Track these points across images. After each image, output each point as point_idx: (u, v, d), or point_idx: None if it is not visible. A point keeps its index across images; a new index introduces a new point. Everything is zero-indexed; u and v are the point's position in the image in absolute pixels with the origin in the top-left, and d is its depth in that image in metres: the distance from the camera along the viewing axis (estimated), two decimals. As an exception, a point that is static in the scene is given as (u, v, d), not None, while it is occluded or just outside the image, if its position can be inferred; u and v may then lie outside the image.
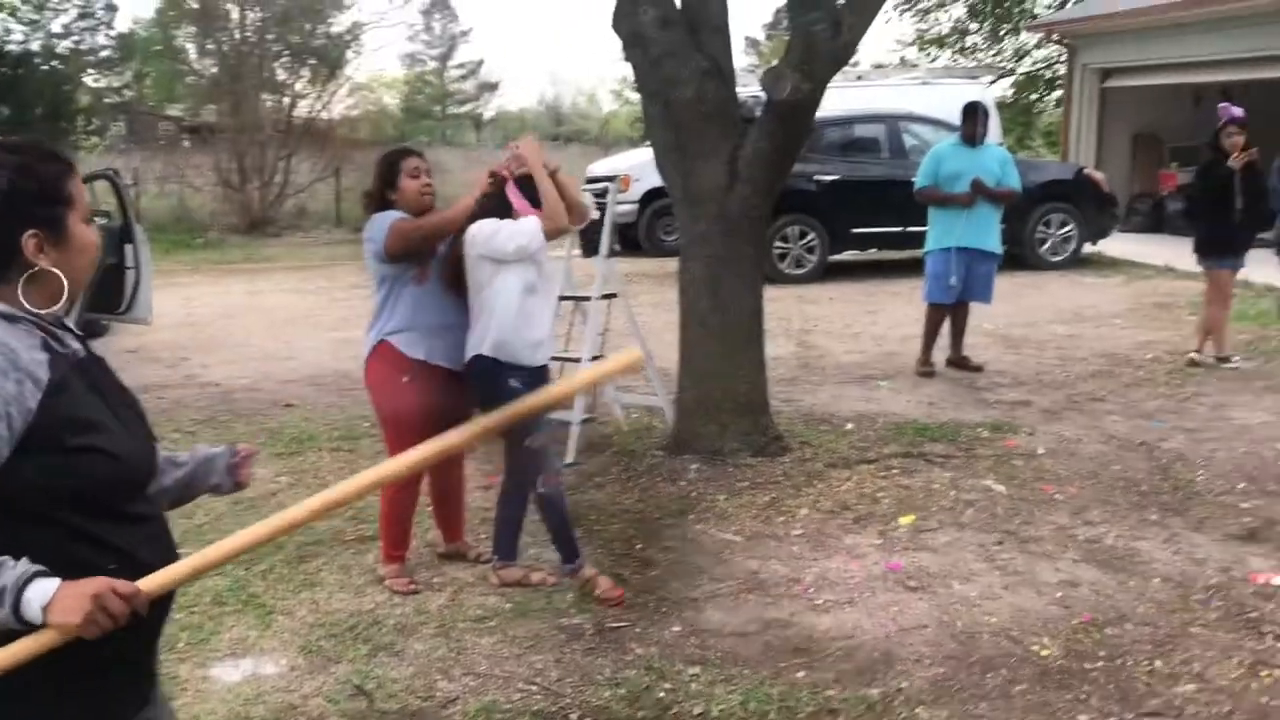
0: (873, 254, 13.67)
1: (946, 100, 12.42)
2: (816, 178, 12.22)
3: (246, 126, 19.54)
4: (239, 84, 19.81)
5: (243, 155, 19.25)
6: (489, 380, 4.08)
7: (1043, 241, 12.80)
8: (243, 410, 7.20)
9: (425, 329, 4.22)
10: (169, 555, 1.83)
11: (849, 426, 6.51)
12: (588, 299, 6.23)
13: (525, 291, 4.11)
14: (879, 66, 24.52)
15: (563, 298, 6.29)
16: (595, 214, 4.74)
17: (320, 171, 19.74)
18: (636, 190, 14.03)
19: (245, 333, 10.18)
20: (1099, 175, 13.29)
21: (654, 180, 10.32)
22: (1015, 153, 18.73)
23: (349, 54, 23.46)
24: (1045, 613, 4.11)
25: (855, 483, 5.46)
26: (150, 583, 1.71)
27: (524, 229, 4.09)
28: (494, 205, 4.20)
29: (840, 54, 5.44)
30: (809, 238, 12.39)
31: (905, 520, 4.99)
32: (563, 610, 4.16)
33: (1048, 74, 25.48)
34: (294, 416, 7.10)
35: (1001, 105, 22.36)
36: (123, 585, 1.65)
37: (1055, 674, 3.64)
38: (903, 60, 26.33)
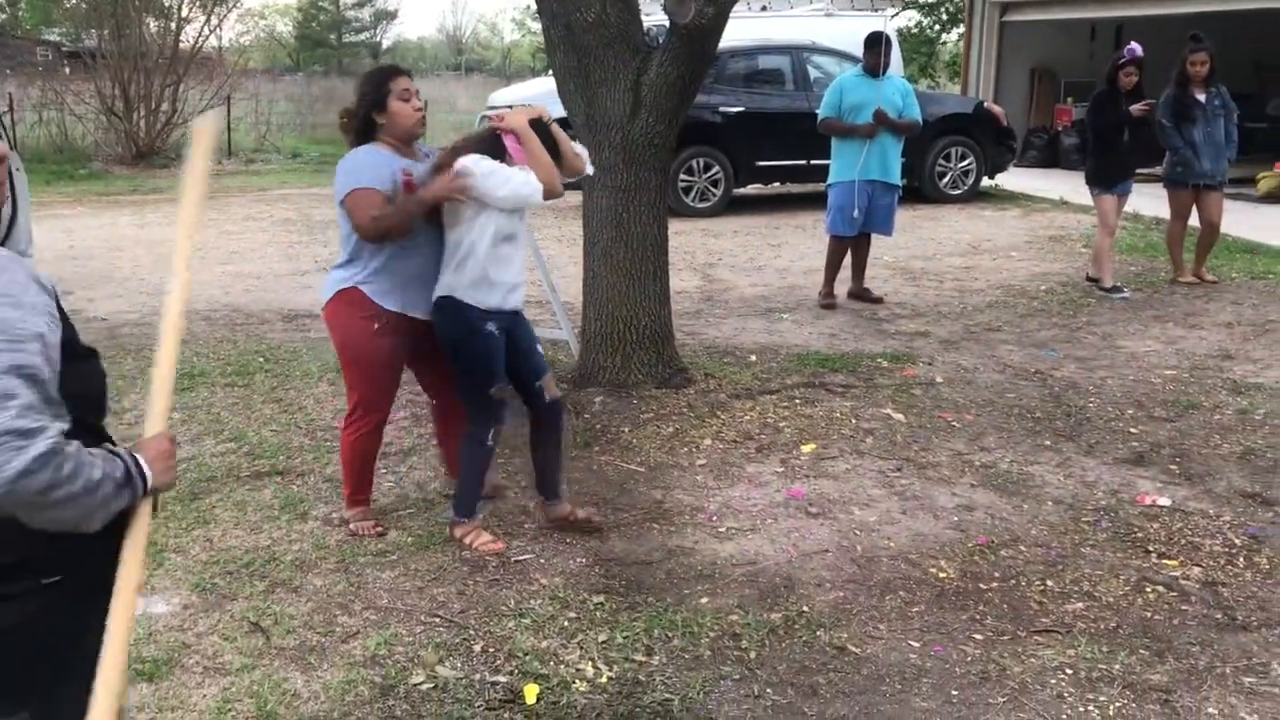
0: (776, 188, 13.70)
1: (850, 31, 12.39)
2: (721, 109, 12.13)
3: (130, 52, 18.64)
4: (121, 7, 18.85)
5: (127, 83, 18.37)
6: (457, 322, 3.87)
7: (942, 175, 12.94)
8: (130, 345, 6.94)
9: (402, 277, 3.91)
10: None
11: (752, 358, 6.54)
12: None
13: (502, 237, 3.85)
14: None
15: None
16: (590, 169, 4.42)
17: (210, 100, 18.97)
18: (540, 121, 13.76)
19: (132, 266, 9.79)
20: (998, 109, 13.47)
21: (558, 110, 10.11)
22: (917, 84, 18.89)
23: (238, -23, 22.51)
24: (942, 536, 4.20)
25: (758, 413, 5.49)
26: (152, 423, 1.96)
27: (523, 180, 3.79)
28: (487, 147, 3.89)
29: (744, -21, 5.36)
30: (713, 170, 12.34)
31: (807, 449, 5.04)
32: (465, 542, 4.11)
33: (950, 7, 25.66)
34: (185, 351, 6.86)
35: (904, 37, 22.51)
36: (171, 434, 1.95)
37: (951, 595, 3.72)
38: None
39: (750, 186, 13.11)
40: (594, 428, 5.31)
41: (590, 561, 3.98)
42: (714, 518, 4.35)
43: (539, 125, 3.93)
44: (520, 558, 4.00)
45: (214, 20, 20.84)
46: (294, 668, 3.30)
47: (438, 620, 3.56)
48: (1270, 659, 3.30)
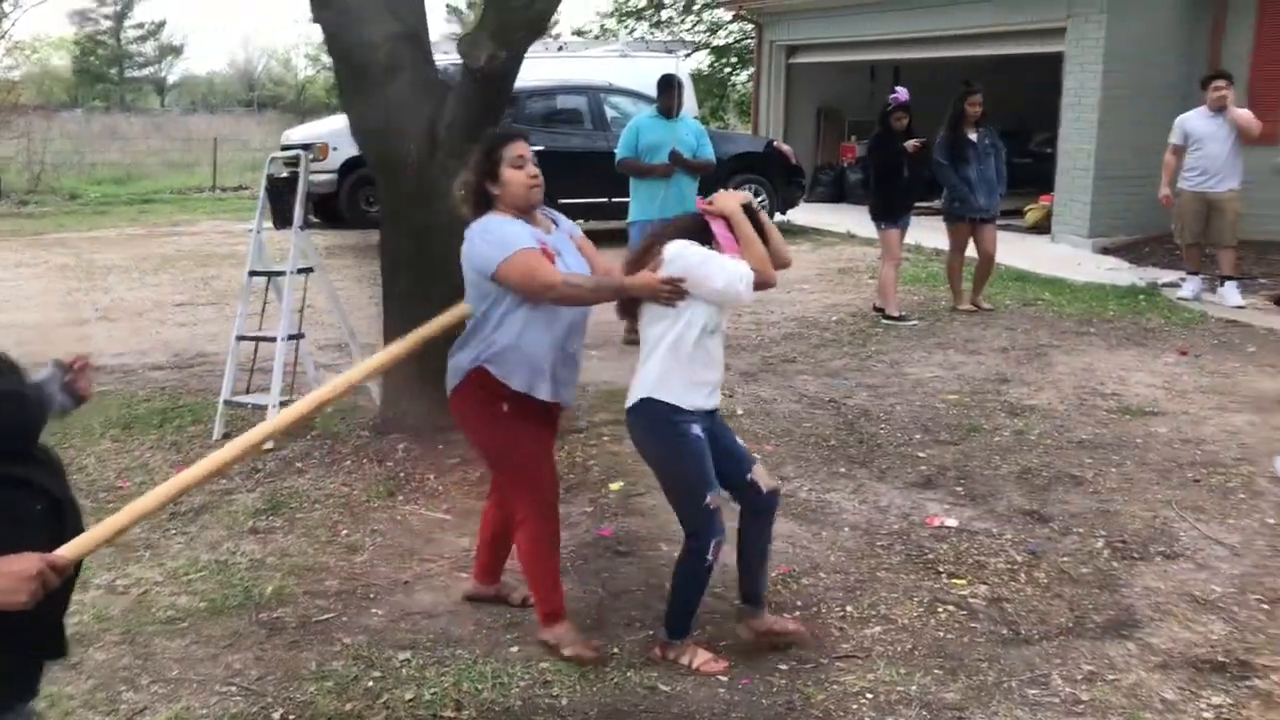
0: (580, 224, 13.79)
1: (645, 73, 12.64)
2: (521, 149, 12.14)
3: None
4: None
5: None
6: (662, 427, 3.44)
7: (739, 211, 13.30)
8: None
9: (530, 358, 3.50)
10: (70, 491, 2.05)
11: (559, 396, 6.53)
12: (283, 274, 5.91)
13: (709, 331, 3.44)
14: (579, 34, 24.77)
15: (254, 273, 5.96)
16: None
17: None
18: (335, 159, 13.48)
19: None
20: (787, 148, 14.00)
21: (353, 149, 9.92)
22: (710, 125, 19.40)
23: (4, 7, 21.19)
24: (747, 568, 4.27)
25: (566, 453, 5.48)
26: (73, 549, 1.95)
27: (738, 270, 3.36)
28: (694, 232, 3.49)
29: (536, 22, 5.39)
30: (513, 209, 12.31)
31: (615, 487, 5.06)
32: (263, 604, 3.94)
33: (740, 49, 26.54)
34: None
35: (698, 78, 23.13)
36: (57, 560, 1.88)
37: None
38: (604, 30, 26.66)
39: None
40: (398, 476, 5.19)
41: (395, 616, 3.88)
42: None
43: (747, 210, 3.52)
44: (321, 617, 3.86)
45: (-23, 53, 19.53)
46: (73, 753, 3.08)
47: (233, 689, 3.39)
48: (1051, 670, 3.49)
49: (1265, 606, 3.92)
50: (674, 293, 3.37)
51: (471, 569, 4.07)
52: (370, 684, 3.42)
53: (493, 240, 3.42)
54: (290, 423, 2.72)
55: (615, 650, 3.63)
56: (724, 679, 3.46)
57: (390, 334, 5.75)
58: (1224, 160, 9.04)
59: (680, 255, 3.40)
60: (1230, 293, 9.15)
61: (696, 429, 3.43)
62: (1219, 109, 9.03)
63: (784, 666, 3.54)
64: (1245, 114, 9.08)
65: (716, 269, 3.36)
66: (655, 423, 3.45)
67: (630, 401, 3.51)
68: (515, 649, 3.65)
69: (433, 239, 5.58)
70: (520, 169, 3.49)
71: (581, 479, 5.17)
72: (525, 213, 3.54)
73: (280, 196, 5.99)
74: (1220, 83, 9.12)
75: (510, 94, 5.72)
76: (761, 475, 3.61)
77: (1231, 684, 3.41)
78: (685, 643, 3.59)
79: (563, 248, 3.56)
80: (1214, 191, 9.07)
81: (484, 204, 3.54)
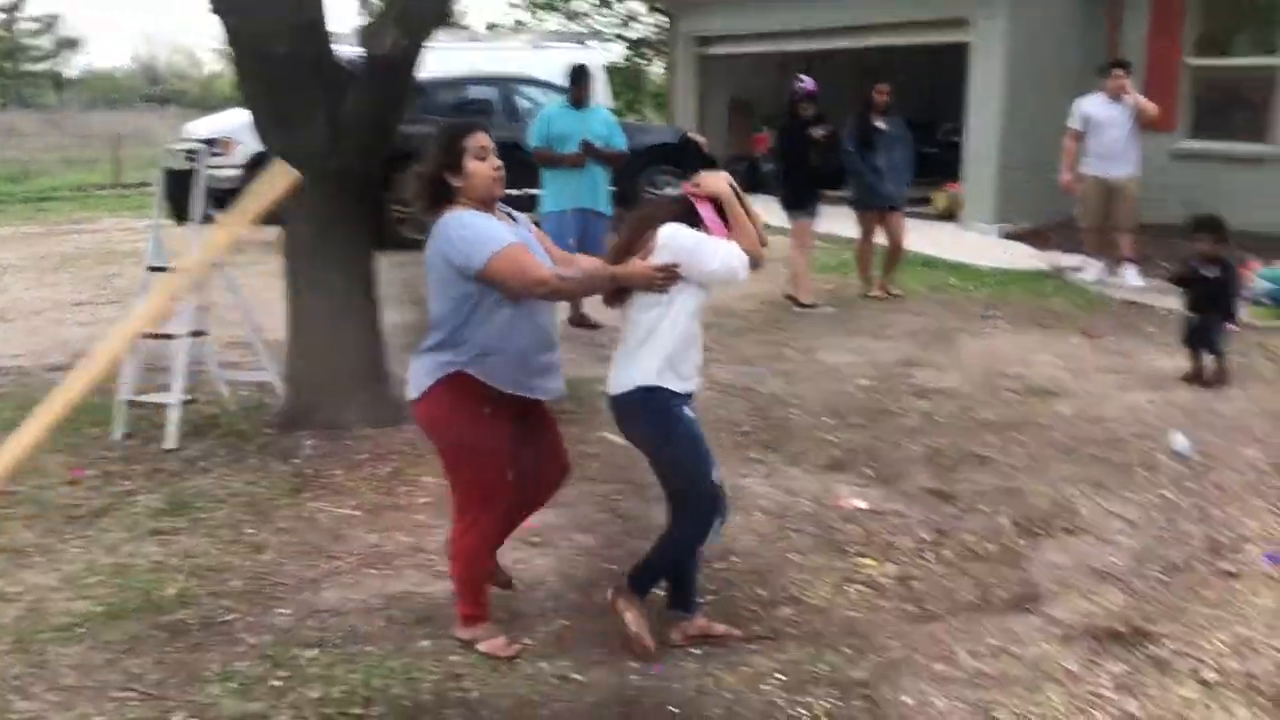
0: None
1: (558, 64, 12.58)
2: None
3: None
4: None
5: None
6: (658, 413, 3.40)
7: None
8: None
9: (514, 355, 3.39)
10: None
11: (472, 389, 6.47)
12: (183, 270, 5.75)
13: (696, 315, 3.45)
14: (492, 27, 24.59)
15: (154, 269, 5.80)
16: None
17: None
18: (241, 154, 13.11)
19: None
20: (700, 138, 14.04)
21: (259, 143, 9.72)
22: (625, 116, 19.35)
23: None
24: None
25: (478, 445, 5.43)
26: None
27: (733, 251, 3.38)
28: (681, 215, 3.44)
29: (440, 10, 5.33)
30: (428, 201, 12.19)
31: (527, 478, 5.02)
32: (164, 607, 3.83)
33: (655, 41, 26.55)
34: None
35: (613, 70, 23.10)
36: None
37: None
38: (517, 23, 26.47)
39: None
40: (304, 473, 5.09)
41: (302, 614, 3.80)
42: (435, 557, 4.25)
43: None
44: (225, 618, 3.77)
45: None
46: (-39, 766, 2.97)
47: (132, 694, 3.29)
48: (957, 645, 3.55)
49: (1162, 577, 4.04)
50: (669, 279, 3.35)
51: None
52: (276, 683, 3.35)
53: (472, 235, 3.29)
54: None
55: (528, 641, 3.60)
56: (636, 665, 3.45)
57: (296, 329, 5.65)
58: (1123, 146, 9.29)
59: (673, 239, 3.36)
60: (1130, 275, 9.41)
61: (690, 410, 3.45)
62: (1117, 95, 9.27)
63: (696, 651, 3.55)
64: (1142, 100, 9.33)
65: (711, 251, 3.36)
66: (655, 410, 3.41)
67: (622, 390, 3.44)
68: (426, 643, 3.60)
69: (337, 231, 5.50)
70: (484, 160, 3.37)
71: (494, 471, 5.12)
72: (487, 206, 3.42)
73: (178, 190, 5.83)
74: (1118, 71, 9.36)
75: (413, 83, 5.64)
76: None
77: (1130, 653, 3.50)
78: (641, 600, 3.56)
79: (529, 240, 3.48)
80: (1114, 177, 9.32)
81: (442, 197, 3.40)
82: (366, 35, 5.22)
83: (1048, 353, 7.27)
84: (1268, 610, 3.76)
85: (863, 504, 4.74)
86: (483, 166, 3.37)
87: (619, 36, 26.71)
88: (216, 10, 5.48)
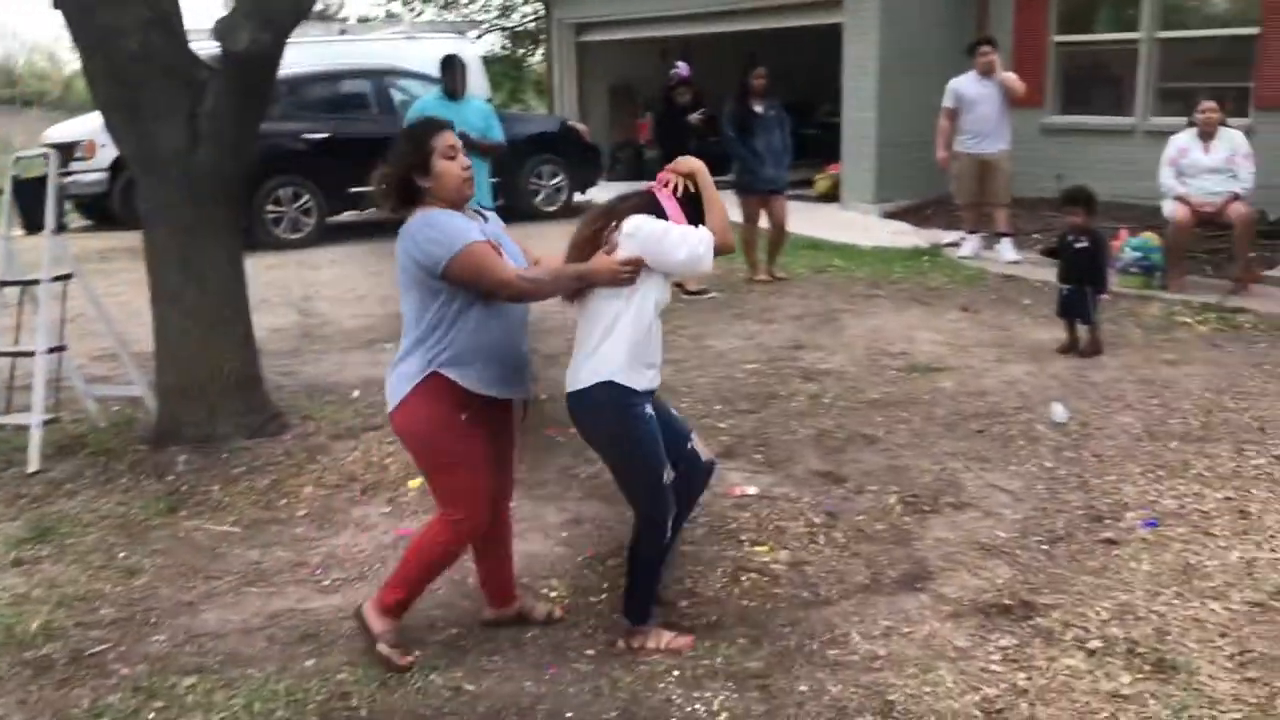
0: (375, 213, 13.40)
1: (435, 55, 12.34)
2: (305, 136, 11.72)
3: None
4: None
5: None
6: (617, 410, 3.31)
7: (536, 192, 13.22)
8: None
9: (488, 357, 3.32)
10: None
11: (355, 394, 6.31)
12: (37, 283, 5.47)
13: (659, 309, 3.38)
14: (365, 20, 24.05)
15: (3, 284, 5.50)
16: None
17: None
18: (105, 157, 12.65)
19: None
20: (582, 126, 13.94)
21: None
22: (510, 107, 19.13)
23: None
24: (553, 554, 4.23)
25: (362, 452, 5.29)
26: None
27: (700, 238, 3.30)
28: (645, 207, 3.38)
29: (297, 4, 5.14)
30: (304, 200, 11.88)
31: (414, 484, 4.90)
32: (27, 641, 3.62)
33: (530, 29, 26.31)
34: None
35: (492, 60, 22.84)
36: None
37: (565, 613, 3.72)
38: (389, 14, 25.96)
39: (346, 214, 12.75)
40: (179, 490, 4.88)
41: (179, 640, 3.64)
42: (318, 571, 4.12)
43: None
44: (95, 649, 3.58)
45: None
46: None
47: (-7, 739, 3.10)
48: (850, 629, 3.56)
49: (1045, 547, 4.12)
50: (634, 272, 3.29)
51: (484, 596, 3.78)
52: (152, 716, 3.19)
53: (438, 235, 3.21)
54: None
55: (418, 652, 3.50)
56: (531, 670, 3.38)
57: (162, 338, 5.42)
58: (994, 123, 9.48)
59: (640, 229, 3.30)
60: (1006, 249, 9.62)
61: (649, 409, 3.36)
62: (986, 73, 9.46)
63: (590, 651, 3.49)
64: (1011, 77, 9.54)
65: (678, 240, 3.30)
66: (613, 407, 3.32)
67: (580, 385, 3.34)
68: (311, 662, 3.48)
69: (202, 234, 5.28)
70: (453, 160, 3.31)
71: (379, 478, 4.99)
72: (457, 207, 3.34)
73: (29, 199, 5.53)
74: (986, 48, 9.55)
75: (275, 79, 5.43)
76: (700, 445, 3.61)
77: (1017, 625, 3.55)
78: (649, 627, 3.51)
79: (501, 239, 3.40)
80: (987, 153, 9.51)
81: (409, 198, 3.32)
82: (222, 31, 5.00)
83: (929, 329, 7.39)
84: (1147, 575, 3.85)
85: (754, 490, 4.73)
86: (452, 166, 3.31)
87: (497, 26, 26.44)
88: (59, 6, 5.21)
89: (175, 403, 5.35)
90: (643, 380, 3.35)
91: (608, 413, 3.34)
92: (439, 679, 3.35)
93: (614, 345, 3.31)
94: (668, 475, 3.39)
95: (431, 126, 3.38)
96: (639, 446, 3.35)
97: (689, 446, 3.56)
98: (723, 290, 8.88)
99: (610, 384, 3.30)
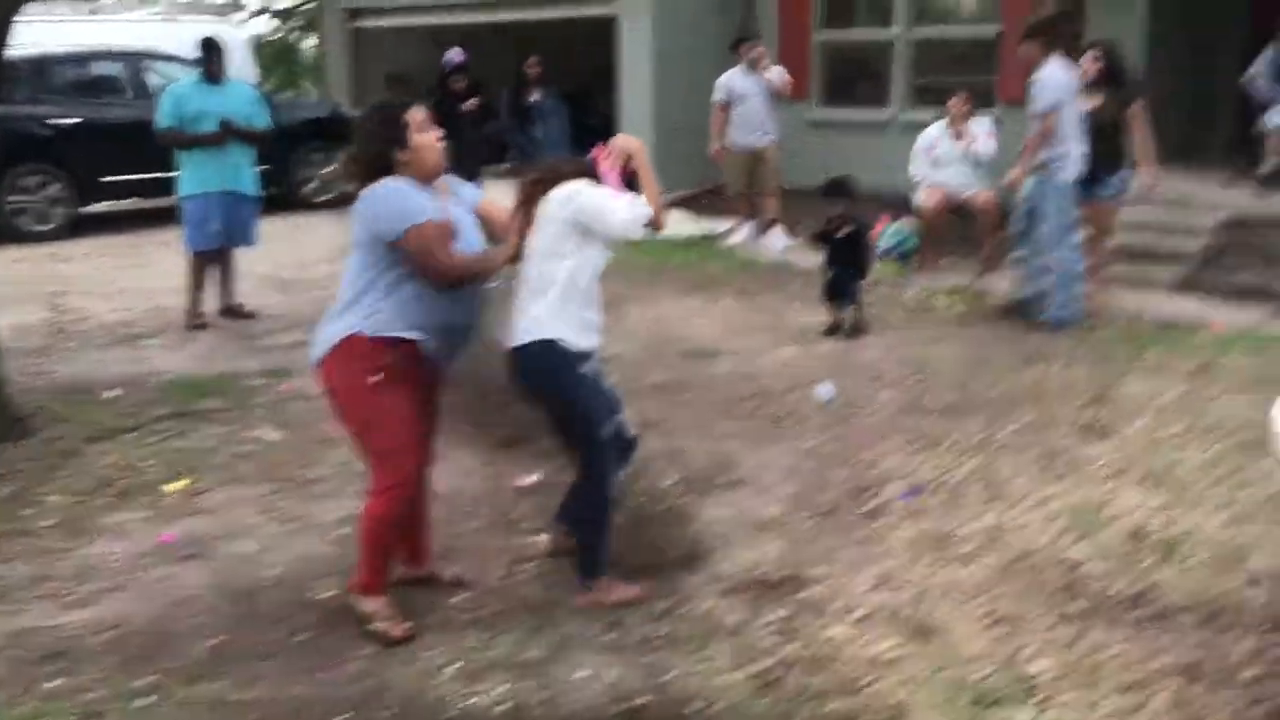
0: (134, 203, 12.63)
1: (196, 37, 11.73)
2: (53, 122, 10.93)
3: None
4: None
5: None
6: (558, 369, 3.46)
7: (306, 181, 12.76)
8: None
9: (422, 329, 3.37)
10: None
11: (113, 393, 5.94)
12: None
13: (596, 273, 3.50)
14: None
15: None
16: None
17: None
18: None
19: None
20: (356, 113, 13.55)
21: None
22: (285, 92, 18.43)
23: None
24: (327, 554, 4.09)
25: (119, 455, 4.98)
26: None
27: (637, 209, 3.42)
28: (583, 175, 3.50)
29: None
30: (52, 189, 11.08)
31: (175, 486, 4.66)
32: None
33: (306, 13, 25.39)
34: None
35: (262, 44, 21.92)
36: None
37: (335, 615, 3.61)
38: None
39: (102, 204, 11.96)
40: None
41: (-97, 669, 3.32)
42: (66, 584, 3.85)
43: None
44: None
45: None
46: None
47: None
48: (627, 613, 3.58)
49: (813, 520, 4.28)
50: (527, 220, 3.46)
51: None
52: None
53: (397, 207, 3.28)
54: None
55: (177, 664, 3.32)
56: (303, 675, 3.26)
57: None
58: (762, 116, 9.79)
59: (579, 194, 3.42)
60: (776, 237, 9.96)
61: (589, 367, 3.51)
62: (754, 68, 9.75)
63: (366, 650, 3.40)
64: (777, 72, 9.87)
65: (615, 207, 3.41)
66: (552, 364, 3.47)
67: (521, 341, 3.47)
68: (58, 683, 3.24)
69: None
70: (426, 133, 3.38)
71: (137, 482, 4.71)
72: (430, 180, 3.41)
73: None
74: (749, 43, 9.85)
75: (4, 61, 5.03)
76: (627, 420, 3.74)
77: (788, 597, 3.67)
78: (603, 580, 3.62)
79: (463, 223, 3.45)
80: (756, 145, 9.81)
81: (383, 174, 3.36)
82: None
83: (707, 316, 7.56)
84: (906, 543, 4.06)
85: (534, 478, 4.72)
86: (429, 139, 3.38)
87: (267, 10, 25.37)
88: None
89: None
90: (582, 340, 3.50)
91: (548, 369, 3.50)
92: (204, 689, 3.19)
93: (551, 304, 3.45)
94: (607, 430, 3.53)
95: (403, 104, 3.43)
96: (581, 401, 3.52)
97: (617, 418, 3.69)
98: (505, 280, 8.81)
99: (550, 342, 3.45)
